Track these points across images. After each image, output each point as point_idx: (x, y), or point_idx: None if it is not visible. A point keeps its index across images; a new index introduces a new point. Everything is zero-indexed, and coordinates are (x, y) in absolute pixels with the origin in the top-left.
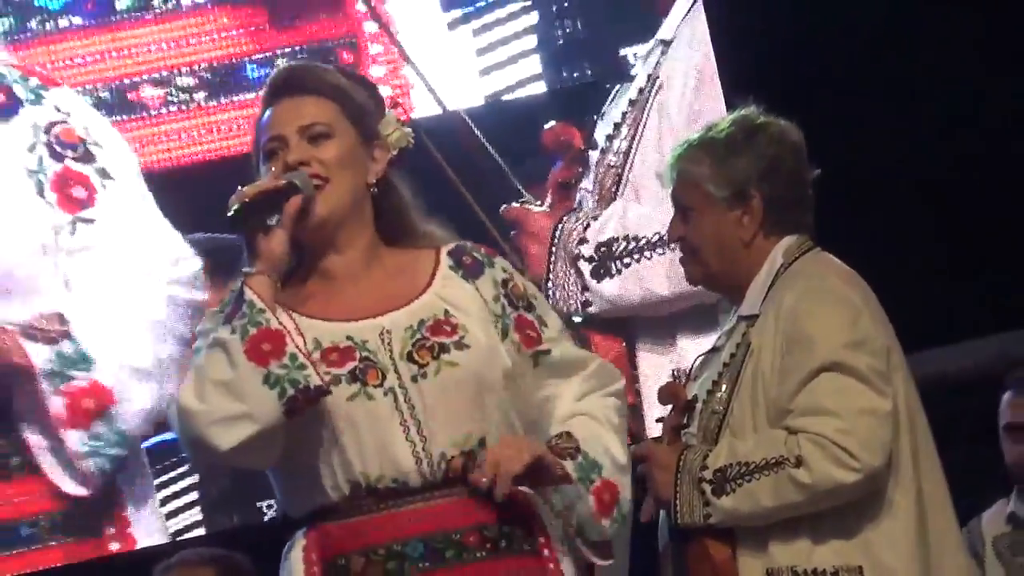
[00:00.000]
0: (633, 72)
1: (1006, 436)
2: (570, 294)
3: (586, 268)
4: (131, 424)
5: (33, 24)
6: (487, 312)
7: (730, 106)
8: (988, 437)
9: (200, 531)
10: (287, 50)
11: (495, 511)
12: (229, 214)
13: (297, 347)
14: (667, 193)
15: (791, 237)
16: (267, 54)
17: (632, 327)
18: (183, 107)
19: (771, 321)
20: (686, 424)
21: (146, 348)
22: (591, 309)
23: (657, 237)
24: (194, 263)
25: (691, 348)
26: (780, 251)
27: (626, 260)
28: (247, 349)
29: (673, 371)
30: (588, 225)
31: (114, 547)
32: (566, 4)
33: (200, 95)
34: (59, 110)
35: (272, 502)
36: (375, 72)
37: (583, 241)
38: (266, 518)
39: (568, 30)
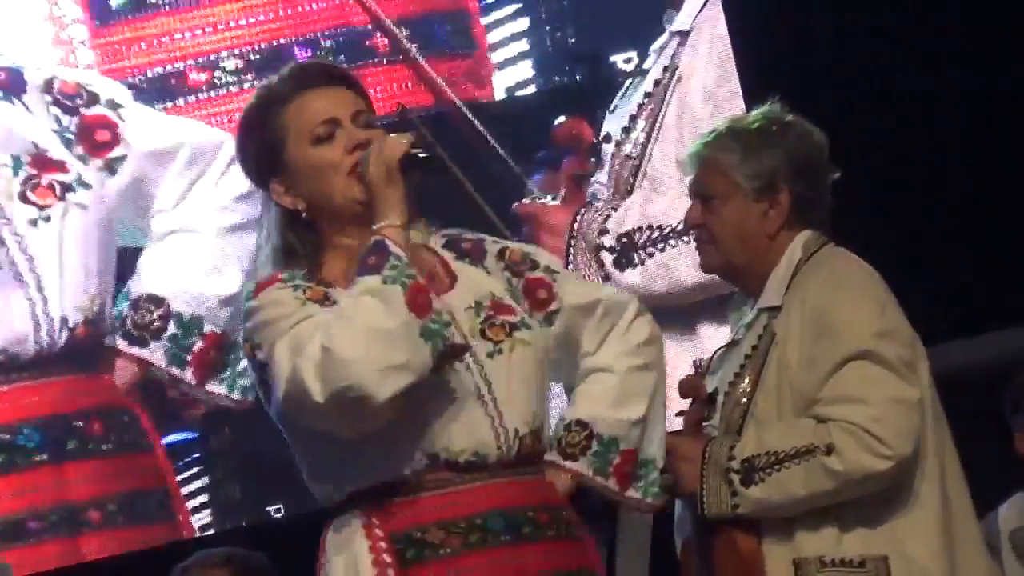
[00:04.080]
0: (646, 65)
1: None
2: None
3: (608, 258)
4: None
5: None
6: (507, 292)
7: (747, 99)
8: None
9: (210, 532)
10: (328, 32)
11: (554, 495)
12: (423, 155)
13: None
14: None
15: (808, 231)
16: (310, 35)
17: (654, 316)
18: (230, 89)
19: (796, 311)
20: (707, 417)
21: (225, 272)
22: None
23: (682, 226)
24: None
25: (713, 337)
26: (799, 244)
27: (650, 249)
28: (409, 300)
29: (694, 362)
30: (608, 216)
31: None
32: (554, 10)
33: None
34: (39, 69)
35: (280, 505)
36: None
37: (604, 232)
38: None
39: (558, 35)
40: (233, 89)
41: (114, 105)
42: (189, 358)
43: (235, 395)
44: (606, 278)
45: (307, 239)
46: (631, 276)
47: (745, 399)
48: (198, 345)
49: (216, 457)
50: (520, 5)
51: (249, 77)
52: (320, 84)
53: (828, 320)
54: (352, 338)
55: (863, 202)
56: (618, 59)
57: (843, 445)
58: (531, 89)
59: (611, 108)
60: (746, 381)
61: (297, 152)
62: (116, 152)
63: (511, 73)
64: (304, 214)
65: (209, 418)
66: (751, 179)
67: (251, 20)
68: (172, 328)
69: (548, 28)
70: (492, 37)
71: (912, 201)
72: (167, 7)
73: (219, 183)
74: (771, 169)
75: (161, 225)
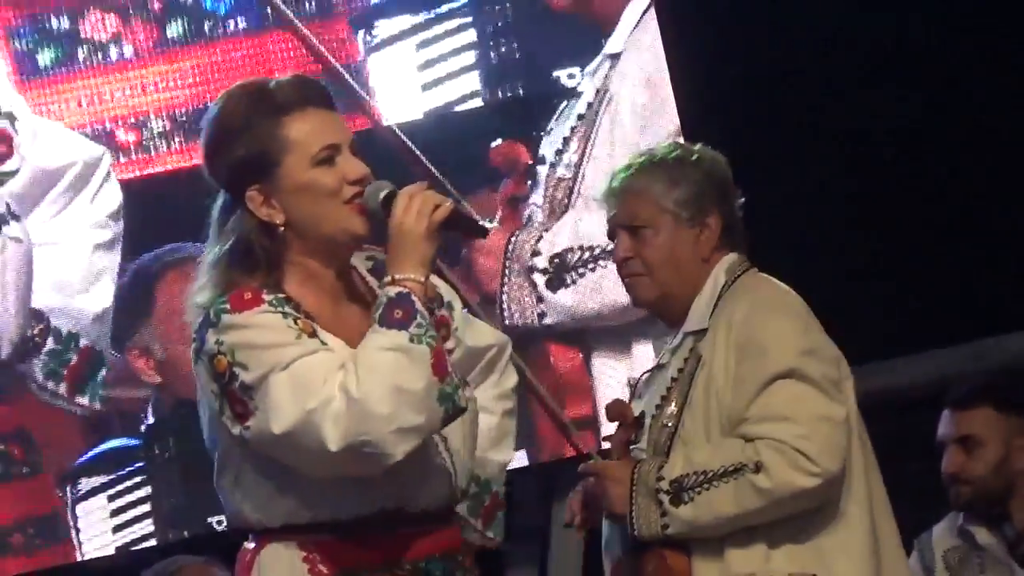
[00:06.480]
0: (579, 88)
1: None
2: (525, 307)
3: (540, 280)
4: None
5: None
6: None
7: (683, 116)
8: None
9: (152, 542)
10: None
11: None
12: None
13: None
14: None
15: (731, 256)
16: None
17: (588, 337)
18: (158, 150)
19: (721, 334)
20: (635, 440)
21: (97, 287)
22: (547, 320)
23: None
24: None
25: (646, 356)
26: (722, 269)
27: (580, 270)
28: (434, 363)
29: (628, 379)
30: (541, 237)
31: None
32: (500, 24)
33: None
34: None
35: (223, 517)
36: None
37: (536, 253)
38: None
39: (503, 49)
40: (162, 150)
41: (11, 118)
42: (65, 372)
43: (96, 405)
44: (539, 299)
45: (270, 251)
46: (564, 297)
47: (672, 421)
48: (73, 360)
49: (159, 467)
50: (468, 19)
51: (176, 140)
52: (322, 105)
53: (754, 340)
54: (381, 393)
55: (798, 223)
56: (561, 74)
57: (771, 463)
58: (477, 102)
59: (547, 130)
60: (673, 404)
61: (295, 168)
62: (8, 165)
63: (457, 85)
64: (281, 228)
65: (152, 427)
66: (682, 206)
67: (180, 82)
68: (51, 343)
69: (493, 42)
70: (440, 49)
71: (848, 221)
72: (95, 66)
73: (95, 199)
74: (698, 195)
75: (37, 235)
